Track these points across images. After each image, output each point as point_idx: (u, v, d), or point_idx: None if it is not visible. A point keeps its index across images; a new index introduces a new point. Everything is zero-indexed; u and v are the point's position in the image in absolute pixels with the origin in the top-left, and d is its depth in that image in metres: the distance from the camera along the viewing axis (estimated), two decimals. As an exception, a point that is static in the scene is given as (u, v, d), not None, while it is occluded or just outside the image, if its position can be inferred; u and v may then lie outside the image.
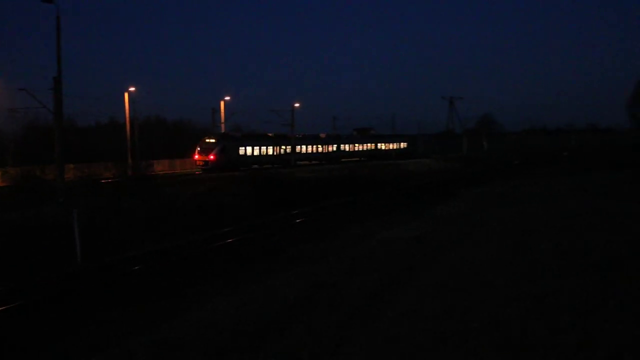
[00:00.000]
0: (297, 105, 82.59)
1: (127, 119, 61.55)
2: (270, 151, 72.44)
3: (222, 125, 75.68)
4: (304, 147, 79.48)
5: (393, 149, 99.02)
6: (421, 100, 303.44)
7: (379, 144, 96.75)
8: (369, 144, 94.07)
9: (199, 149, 63.66)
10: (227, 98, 76.94)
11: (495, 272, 11.68)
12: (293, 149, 75.80)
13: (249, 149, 68.42)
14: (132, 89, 62.47)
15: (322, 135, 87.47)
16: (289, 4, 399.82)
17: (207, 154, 62.13)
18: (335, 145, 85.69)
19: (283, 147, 74.62)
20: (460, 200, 36.19)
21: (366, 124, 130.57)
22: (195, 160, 63.89)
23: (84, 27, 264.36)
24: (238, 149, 66.63)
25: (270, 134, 77.44)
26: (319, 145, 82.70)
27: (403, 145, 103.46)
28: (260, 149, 70.55)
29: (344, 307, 11.15)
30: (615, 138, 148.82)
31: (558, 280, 10.13)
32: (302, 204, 40.94)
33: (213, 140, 64.14)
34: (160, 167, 63.12)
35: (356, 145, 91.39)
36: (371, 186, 54.02)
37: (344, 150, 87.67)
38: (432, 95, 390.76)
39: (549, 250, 13.09)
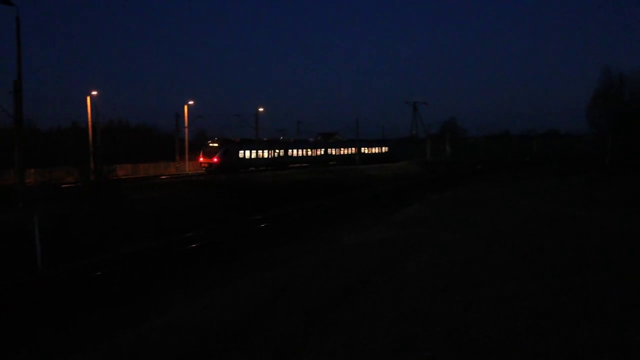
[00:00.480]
0: (261, 109, 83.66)
1: (90, 123, 60.96)
2: (265, 154, 77.77)
3: (186, 130, 75.66)
4: (295, 151, 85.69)
5: (375, 153, 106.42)
6: (385, 105, 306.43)
7: (362, 148, 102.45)
8: (354, 149, 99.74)
9: (203, 152, 69.84)
10: (191, 102, 76.92)
11: (456, 277, 11.79)
12: (285, 152, 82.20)
13: (247, 153, 74.32)
14: (94, 92, 61.97)
15: (311, 140, 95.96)
16: (254, 10, 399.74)
17: (211, 157, 68.20)
18: (323, 150, 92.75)
19: (277, 151, 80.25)
20: (424, 204, 36.51)
21: (330, 128, 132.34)
22: (200, 163, 69.98)
23: (47, 30, 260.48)
24: (238, 153, 72.47)
25: (265, 139, 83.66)
26: (309, 150, 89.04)
27: (385, 149, 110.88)
28: (257, 153, 76.19)
29: (305, 312, 11.13)
30: (575, 143, 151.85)
31: (516, 284, 10.30)
32: (267, 207, 40.97)
33: (216, 145, 70.43)
34: (124, 171, 62.96)
35: (341, 149, 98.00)
36: (340, 190, 54.53)
37: (331, 154, 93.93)
38: (396, 101, 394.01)
39: (508, 254, 13.32)
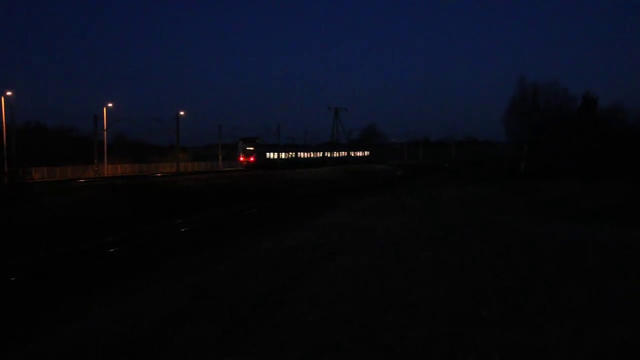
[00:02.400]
0: (181, 113, 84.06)
1: (4, 125, 59.19)
2: (283, 155, 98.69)
3: (104, 133, 74.70)
4: (302, 153, 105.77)
5: (360, 156, 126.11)
6: (306, 110, 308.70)
7: (351, 152, 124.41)
8: (344, 152, 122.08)
9: (242, 153, 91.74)
10: (110, 105, 75.84)
11: (373, 282, 11.86)
12: (295, 154, 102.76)
13: (270, 154, 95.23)
14: (9, 93, 60.28)
15: (315, 144, 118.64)
16: (173, 15, 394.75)
17: (249, 157, 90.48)
18: (321, 152, 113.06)
19: (290, 153, 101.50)
20: (344, 210, 36.76)
21: (252, 133, 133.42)
22: (240, 161, 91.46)
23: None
24: (265, 154, 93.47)
25: (281, 144, 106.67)
26: (312, 152, 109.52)
27: (367, 153, 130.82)
28: (278, 154, 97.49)
29: (225, 318, 11.04)
30: (492, 151, 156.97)
31: (432, 289, 10.51)
32: (189, 212, 41.09)
33: (252, 148, 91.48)
34: (39, 175, 61.56)
35: (334, 152, 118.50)
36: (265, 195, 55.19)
37: (328, 157, 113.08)
38: (318, 106, 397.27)
39: (427, 260, 13.50)
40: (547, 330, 7.67)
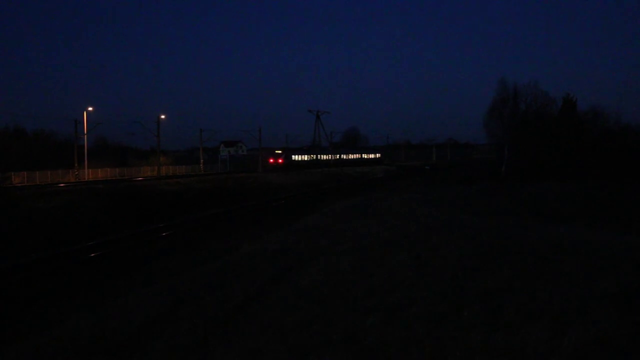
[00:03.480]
0: (162, 117, 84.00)
1: (-18, 129, 58.79)
2: (306, 158, 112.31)
3: (85, 137, 74.18)
4: (325, 156, 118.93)
5: (371, 158, 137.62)
6: (288, 113, 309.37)
7: (363, 155, 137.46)
8: (357, 155, 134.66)
9: (272, 156, 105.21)
10: (90, 109, 75.37)
11: (355, 284, 11.90)
12: (317, 157, 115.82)
13: (296, 157, 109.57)
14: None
15: (332, 147, 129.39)
16: (154, 19, 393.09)
17: (277, 159, 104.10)
18: (338, 155, 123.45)
19: (312, 155, 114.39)
20: (324, 213, 36.80)
21: (233, 136, 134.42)
22: (270, 163, 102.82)
23: None
24: (291, 157, 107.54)
25: (304, 147, 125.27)
26: (330, 155, 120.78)
27: (378, 155, 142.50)
28: (301, 157, 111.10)
29: (205, 322, 11.02)
30: (473, 152, 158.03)
31: (412, 290, 10.53)
32: (171, 216, 40.99)
33: (280, 152, 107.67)
34: (19, 179, 61.19)
35: (350, 155, 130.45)
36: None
37: (344, 159, 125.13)
38: (299, 109, 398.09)
39: (406, 261, 13.51)
40: (526, 330, 7.71)
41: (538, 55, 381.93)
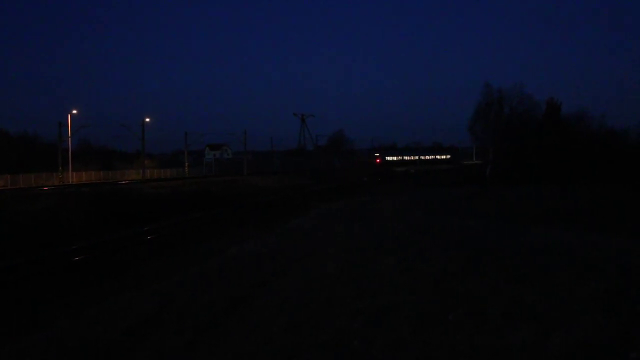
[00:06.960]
0: (147, 120, 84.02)
1: (-35, 131, 58.30)
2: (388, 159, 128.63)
3: (69, 140, 73.72)
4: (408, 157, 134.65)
5: (441, 159, 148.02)
6: (273, 116, 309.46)
7: (437, 155, 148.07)
8: (428, 156, 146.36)
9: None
10: (75, 112, 74.96)
11: (341, 286, 11.88)
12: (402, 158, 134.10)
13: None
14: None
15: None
16: (139, 22, 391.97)
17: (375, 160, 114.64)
18: (417, 156, 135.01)
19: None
20: (311, 215, 36.95)
21: (219, 139, 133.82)
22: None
23: None
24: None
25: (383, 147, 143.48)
26: (407, 156, 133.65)
27: (448, 156, 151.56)
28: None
29: (192, 325, 10.97)
30: (461, 156, 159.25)
31: (398, 295, 10.51)
32: (156, 219, 40.80)
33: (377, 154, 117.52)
34: (2, 182, 60.95)
35: (419, 156, 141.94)
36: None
37: (419, 159, 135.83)
38: (285, 112, 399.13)
39: (392, 264, 13.47)
40: (511, 333, 7.72)
41: (522, 59, 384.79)
